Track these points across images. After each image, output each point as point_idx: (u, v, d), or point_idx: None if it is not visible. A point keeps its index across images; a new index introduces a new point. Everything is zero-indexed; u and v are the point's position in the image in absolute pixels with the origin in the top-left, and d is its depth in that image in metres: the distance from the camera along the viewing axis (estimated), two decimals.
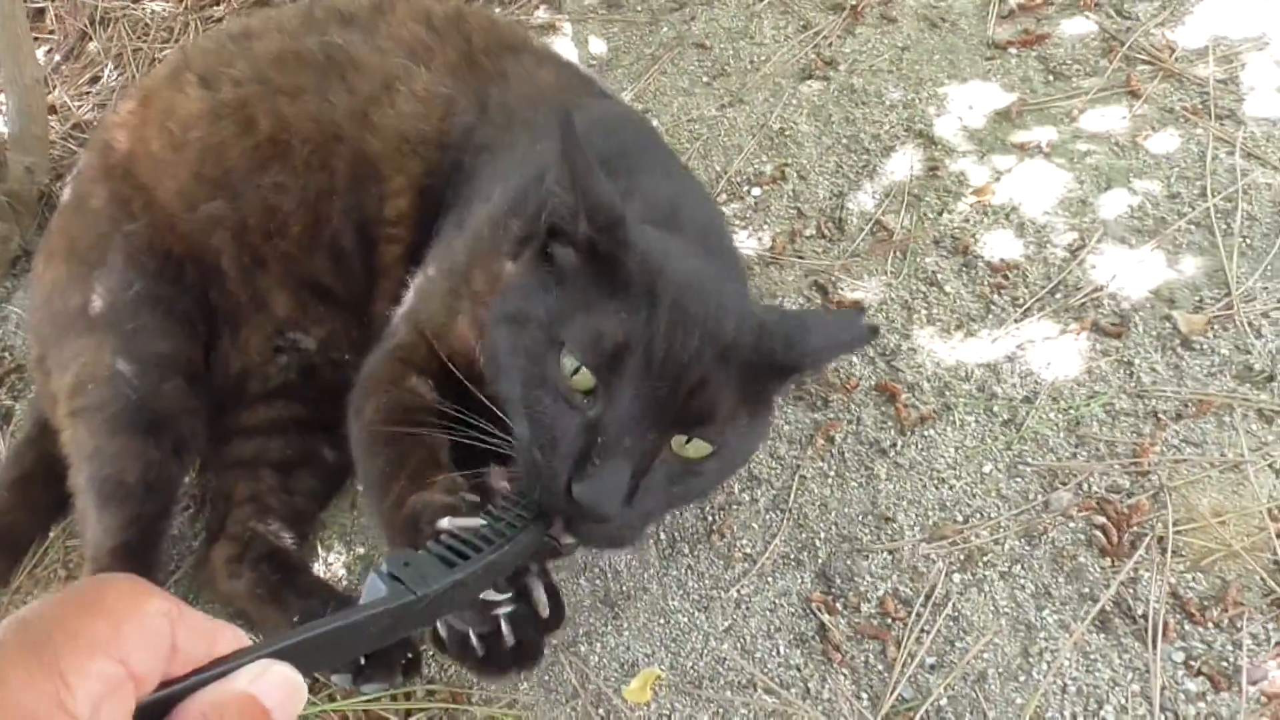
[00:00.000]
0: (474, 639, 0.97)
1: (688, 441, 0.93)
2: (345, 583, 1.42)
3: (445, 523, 0.84)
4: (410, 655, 1.24)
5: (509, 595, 0.90)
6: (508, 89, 1.36)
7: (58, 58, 2.44)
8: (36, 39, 2.39)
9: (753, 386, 0.98)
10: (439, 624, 1.01)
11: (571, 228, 0.94)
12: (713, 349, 0.93)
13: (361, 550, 1.45)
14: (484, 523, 0.86)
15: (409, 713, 1.22)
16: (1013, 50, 1.79)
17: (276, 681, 0.47)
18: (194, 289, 1.39)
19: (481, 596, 0.87)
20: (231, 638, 0.48)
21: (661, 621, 1.26)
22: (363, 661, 1.20)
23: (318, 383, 1.47)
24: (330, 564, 1.46)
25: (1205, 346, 1.34)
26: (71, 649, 0.39)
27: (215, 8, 2.47)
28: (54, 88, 2.34)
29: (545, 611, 0.96)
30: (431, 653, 1.30)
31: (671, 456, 0.93)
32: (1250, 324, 1.34)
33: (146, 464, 1.28)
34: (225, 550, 1.34)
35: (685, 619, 1.26)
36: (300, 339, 1.45)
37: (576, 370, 0.90)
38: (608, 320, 0.91)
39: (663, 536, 1.34)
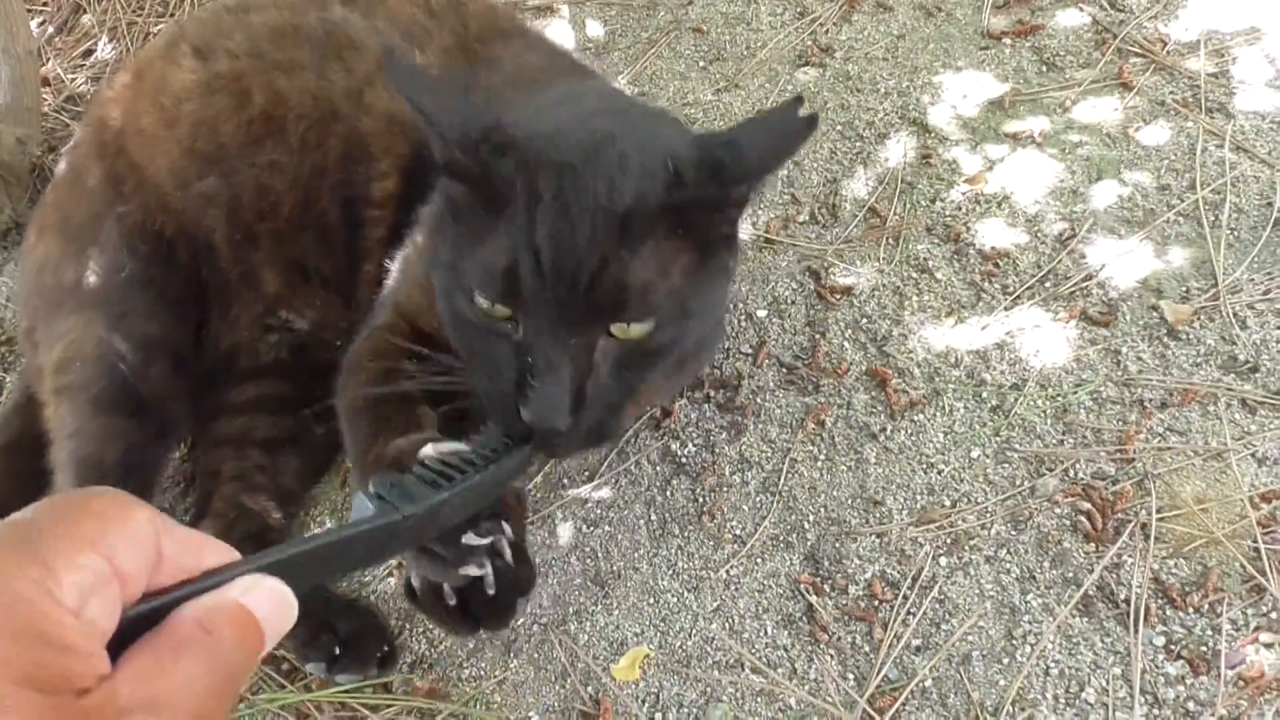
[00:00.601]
0: (447, 589, 0.98)
1: (627, 327, 0.90)
2: None
3: (429, 449, 0.85)
4: (386, 648, 1.26)
5: (489, 541, 0.92)
6: (494, 74, 1.35)
7: (51, 30, 2.42)
8: (30, 11, 2.38)
9: (687, 230, 0.93)
10: (412, 574, 1.02)
11: (445, 156, 0.92)
12: (608, 222, 0.88)
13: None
14: (466, 447, 0.87)
15: (385, 706, 1.23)
16: (1007, 40, 1.80)
17: (268, 594, 0.48)
18: (185, 269, 1.40)
19: (462, 540, 0.89)
20: (219, 551, 0.49)
21: (651, 601, 1.28)
22: (337, 651, 1.22)
23: (308, 362, 1.47)
24: None
25: (1191, 337, 1.35)
26: (60, 543, 0.40)
27: None
28: (47, 60, 2.33)
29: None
30: (411, 640, 1.31)
31: (614, 344, 0.91)
32: (1236, 315, 1.35)
33: (128, 445, 1.29)
34: (210, 527, 1.35)
35: (675, 599, 1.27)
36: (292, 319, 1.46)
37: (491, 305, 0.90)
38: (495, 245, 0.90)
39: (653, 517, 1.35)
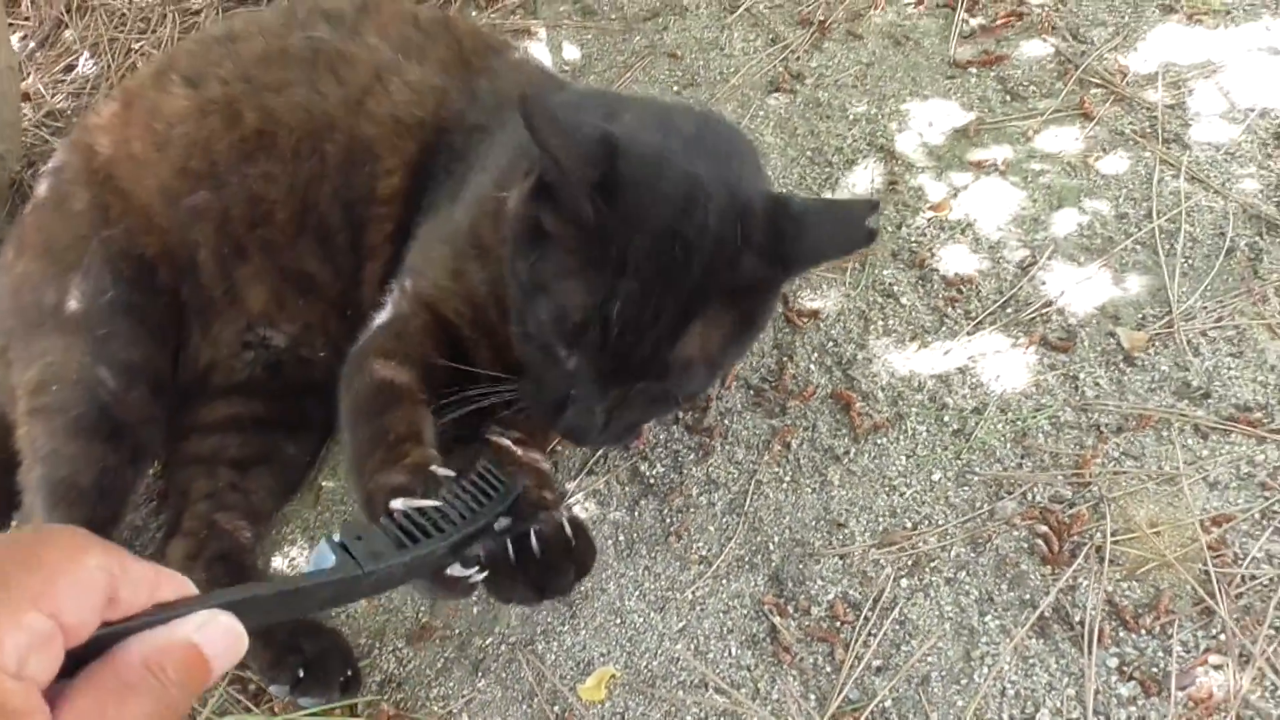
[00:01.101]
0: (510, 550, 1.04)
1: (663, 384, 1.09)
2: None
3: (398, 504, 0.89)
4: (351, 671, 1.27)
5: (476, 570, 0.96)
6: (497, 80, 1.41)
7: (32, 45, 2.43)
8: (11, 25, 2.39)
9: (737, 300, 1.07)
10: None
11: (564, 196, 1.01)
12: (676, 304, 1.01)
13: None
14: (438, 504, 0.90)
15: None
16: (973, 70, 1.84)
17: (220, 631, 0.49)
18: (167, 292, 1.41)
19: (448, 572, 0.92)
20: (176, 586, 0.49)
21: (618, 621, 1.29)
22: (301, 674, 1.23)
23: (281, 380, 1.49)
24: (293, 559, 1.48)
25: (1146, 363, 1.39)
26: (2, 605, 0.40)
27: (190, 1, 2.47)
28: (28, 75, 2.34)
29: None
30: (380, 658, 1.32)
31: (645, 388, 1.08)
32: (1189, 342, 1.39)
33: (102, 469, 1.30)
34: (181, 547, 1.36)
35: (641, 619, 1.29)
36: (271, 335, 1.47)
37: (546, 334, 1.05)
38: (573, 292, 1.02)
39: (621, 538, 1.37)
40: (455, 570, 0.92)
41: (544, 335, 1.06)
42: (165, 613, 0.47)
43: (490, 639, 1.31)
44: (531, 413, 1.15)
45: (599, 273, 1.00)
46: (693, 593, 1.30)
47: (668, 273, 1.00)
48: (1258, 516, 1.22)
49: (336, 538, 0.70)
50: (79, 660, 0.43)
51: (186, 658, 0.46)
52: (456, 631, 1.34)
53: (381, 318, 1.26)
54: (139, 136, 1.41)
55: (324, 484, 1.55)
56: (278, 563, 1.47)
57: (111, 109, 1.46)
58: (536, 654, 1.28)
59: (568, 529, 1.08)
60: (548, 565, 1.05)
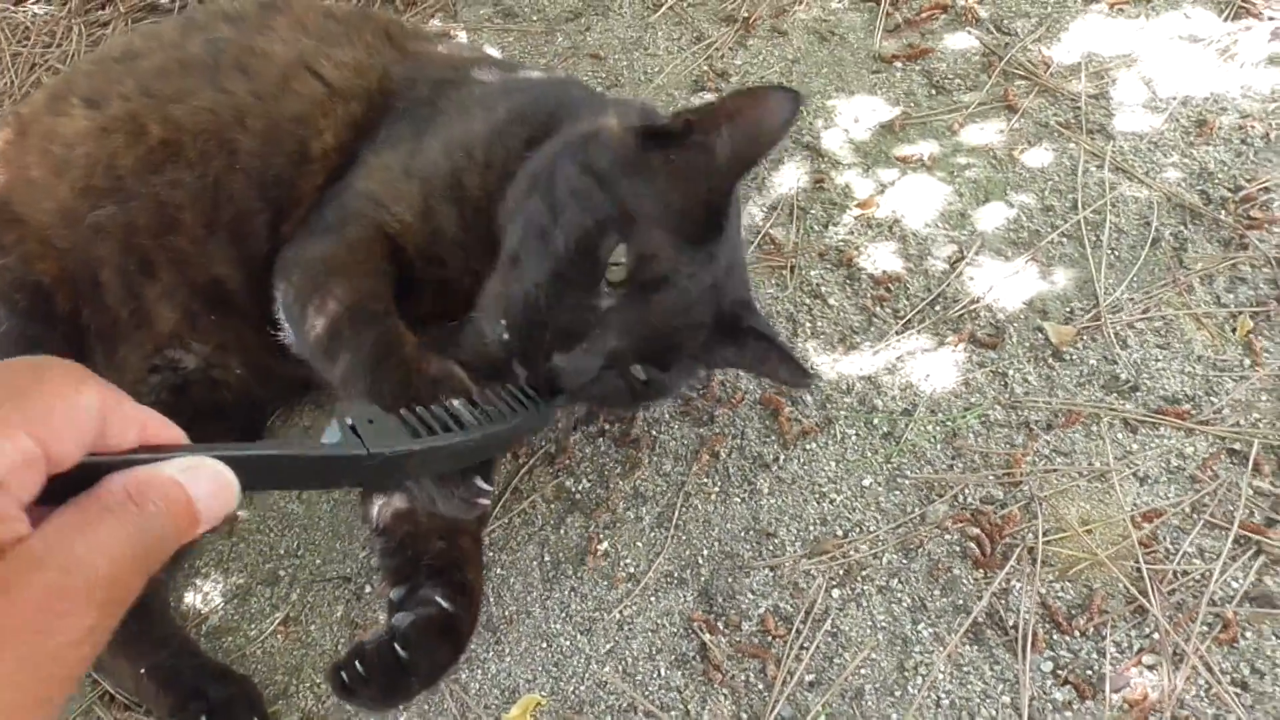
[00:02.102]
0: (358, 668, 1.10)
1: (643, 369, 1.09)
2: (221, 612, 1.38)
3: (458, 403, 0.89)
4: (258, 718, 1.23)
5: (492, 489, 0.99)
6: (431, 64, 1.41)
7: None
8: None
9: (708, 343, 1.14)
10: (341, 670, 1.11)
11: (702, 163, 1.06)
12: (711, 314, 1.11)
13: (239, 579, 1.41)
14: (461, 405, 0.88)
15: None
16: (898, 64, 1.81)
17: (208, 476, 0.48)
18: (65, 320, 1.35)
19: (475, 481, 0.93)
20: (168, 432, 0.49)
21: (543, 645, 1.25)
22: None
23: (189, 404, 1.42)
24: (207, 593, 1.41)
25: (1075, 357, 1.36)
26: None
27: (100, 11, 2.39)
28: None
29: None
30: (299, 696, 1.27)
31: (633, 375, 1.09)
32: (1117, 335, 1.37)
33: None
34: None
35: (567, 642, 1.24)
36: (181, 357, 1.41)
37: (617, 264, 1.01)
38: (668, 246, 1.03)
39: (546, 558, 1.32)
40: (478, 482, 0.94)
41: (592, 262, 1.01)
42: (153, 455, 0.47)
43: None
44: (511, 313, 1.03)
45: (695, 247, 1.05)
46: (620, 612, 1.25)
47: (718, 294, 1.11)
48: (1188, 510, 1.20)
49: (348, 419, 0.67)
50: (62, 491, 0.43)
51: (170, 494, 0.45)
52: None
53: (340, 231, 1.22)
54: (37, 162, 1.35)
55: (239, 514, 1.48)
56: (191, 598, 1.41)
57: (5, 136, 1.40)
58: (460, 683, 1.23)
59: (399, 650, 1.12)
60: (391, 675, 1.12)
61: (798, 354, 1.32)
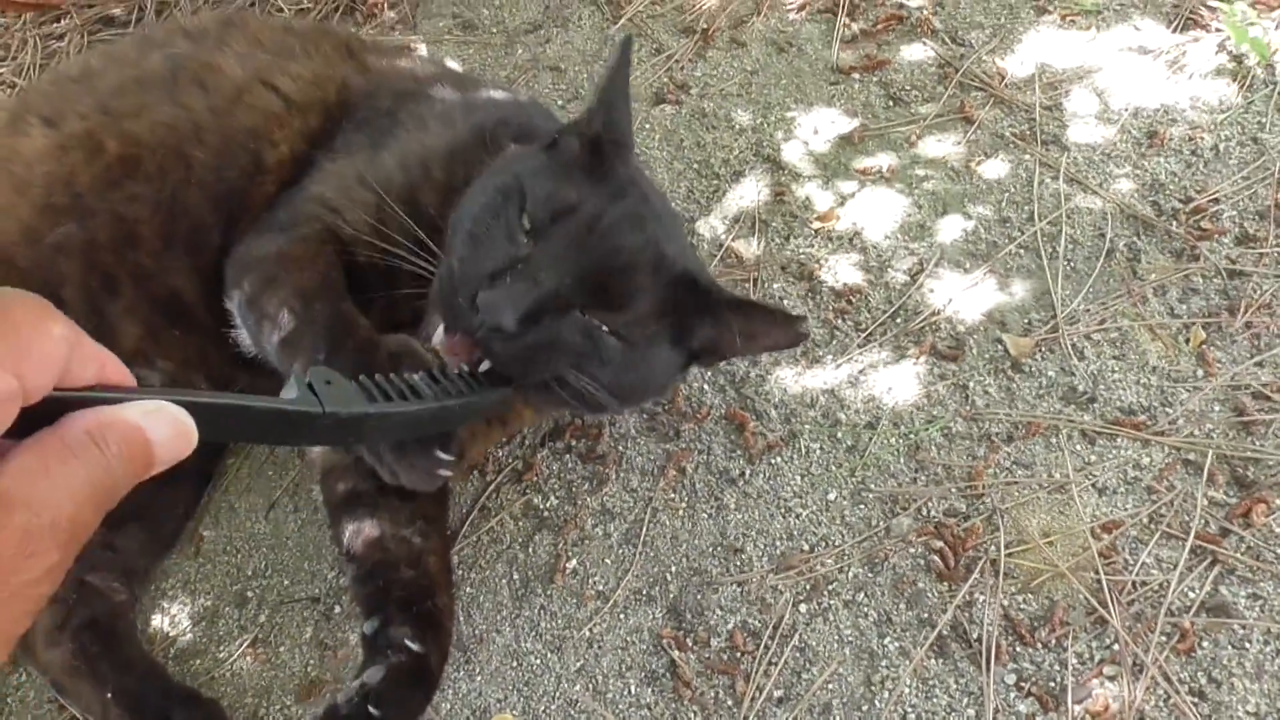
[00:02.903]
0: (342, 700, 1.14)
1: (604, 320, 1.04)
2: (189, 635, 1.37)
3: (416, 377, 0.89)
4: None
5: (453, 460, 1.00)
6: (396, 78, 1.41)
7: None
8: None
9: (675, 315, 1.10)
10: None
11: (586, 128, 1.12)
12: (650, 253, 1.07)
13: (206, 601, 1.40)
14: (419, 375, 0.89)
15: None
16: (855, 75, 1.83)
17: (166, 420, 0.49)
18: None
19: (435, 452, 0.96)
20: (121, 374, 0.50)
21: (514, 664, 1.25)
22: None
23: None
24: (174, 615, 1.40)
25: (1033, 369, 1.39)
26: None
27: (55, 24, 2.35)
28: None
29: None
30: (269, 717, 1.26)
31: (584, 320, 1.02)
32: (1074, 346, 1.40)
33: None
34: (48, 616, 1.28)
35: (538, 660, 1.25)
36: (145, 375, 1.39)
37: (523, 215, 1.03)
38: (570, 189, 1.05)
39: (515, 576, 1.33)
40: (438, 452, 0.97)
41: (504, 221, 1.03)
42: (114, 394, 0.48)
43: None
44: (439, 290, 1.03)
45: (602, 187, 1.08)
46: (590, 630, 1.26)
47: (648, 225, 1.09)
48: (1146, 521, 1.23)
49: (306, 378, 0.67)
50: (24, 423, 0.44)
51: (130, 436, 0.47)
52: (347, 684, 1.28)
53: (293, 230, 1.22)
54: None
55: (205, 534, 1.47)
56: (158, 621, 1.40)
57: None
58: (432, 705, 1.23)
59: (372, 711, 1.13)
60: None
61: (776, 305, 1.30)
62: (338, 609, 1.35)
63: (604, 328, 1.03)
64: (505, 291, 0.96)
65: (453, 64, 2.04)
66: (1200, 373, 1.35)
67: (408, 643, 1.19)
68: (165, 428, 0.49)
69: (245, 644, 1.34)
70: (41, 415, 0.44)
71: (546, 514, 1.38)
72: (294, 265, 1.16)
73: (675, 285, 1.09)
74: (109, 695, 1.22)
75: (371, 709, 1.13)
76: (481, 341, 0.97)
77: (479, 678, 1.25)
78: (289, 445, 0.80)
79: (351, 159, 1.27)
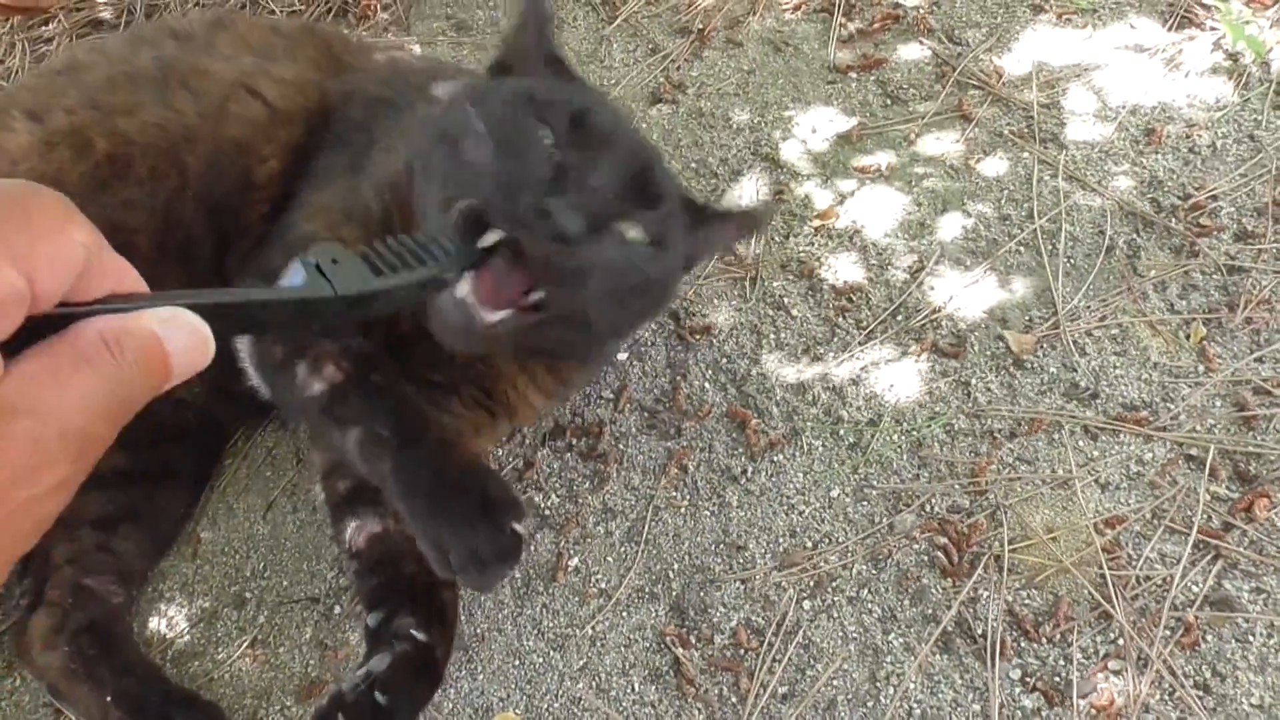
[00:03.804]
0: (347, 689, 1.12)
1: (634, 226, 0.99)
2: (187, 637, 1.36)
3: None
4: None
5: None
6: (372, 77, 1.38)
7: None
8: None
9: (681, 214, 1.11)
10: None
11: (536, 49, 1.13)
12: (652, 154, 1.09)
13: (204, 603, 1.39)
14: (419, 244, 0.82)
15: None
16: (853, 74, 1.83)
17: (186, 330, 0.46)
18: None
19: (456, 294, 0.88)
20: (138, 285, 0.47)
21: (516, 663, 1.24)
22: None
23: (147, 426, 1.39)
24: (171, 617, 1.39)
25: (1035, 365, 1.39)
26: None
27: (44, 27, 2.33)
28: None
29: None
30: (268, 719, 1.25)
31: (620, 234, 0.98)
32: (1075, 343, 1.40)
33: None
34: (44, 619, 1.27)
35: (540, 659, 1.24)
36: None
37: (535, 124, 0.97)
38: (568, 93, 1.04)
39: (517, 574, 1.32)
40: (514, 525, 0.98)
41: (529, 132, 0.96)
42: (126, 303, 0.45)
43: None
44: (486, 195, 0.90)
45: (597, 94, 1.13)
46: (593, 628, 1.26)
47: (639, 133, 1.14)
48: (1149, 516, 1.23)
49: (311, 258, 0.65)
50: (30, 332, 0.40)
51: (146, 346, 0.44)
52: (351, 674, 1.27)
53: (275, 276, 1.19)
54: None
55: (203, 535, 1.46)
56: (156, 624, 1.38)
57: None
58: (433, 703, 1.22)
59: (378, 696, 1.12)
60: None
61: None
62: (337, 609, 1.34)
63: (639, 234, 1.00)
64: (571, 198, 0.91)
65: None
66: (1201, 368, 1.35)
67: (413, 632, 1.18)
68: (183, 336, 0.46)
69: (244, 645, 1.34)
70: (46, 327, 0.41)
71: (548, 512, 1.37)
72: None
73: (679, 197, 1.13)
74: (108, 699, 1.21)
75: (378, 695, 1.12)
76: (542, 260, 0.89)
77: (481, 676, 1.24)
78: (298, 331, 0.79)
79: (334, 187, 1.26)
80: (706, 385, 1.46)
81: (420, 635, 1.18)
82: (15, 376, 0.39)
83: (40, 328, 0.41)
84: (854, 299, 1.51)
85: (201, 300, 0.48)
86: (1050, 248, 1.51)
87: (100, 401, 0.41)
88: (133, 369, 0.43)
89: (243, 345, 1.19)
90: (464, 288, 0.87)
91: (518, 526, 0.99)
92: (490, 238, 0.86)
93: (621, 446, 1.42)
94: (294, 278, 0.64)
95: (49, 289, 0.40)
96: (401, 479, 1.03)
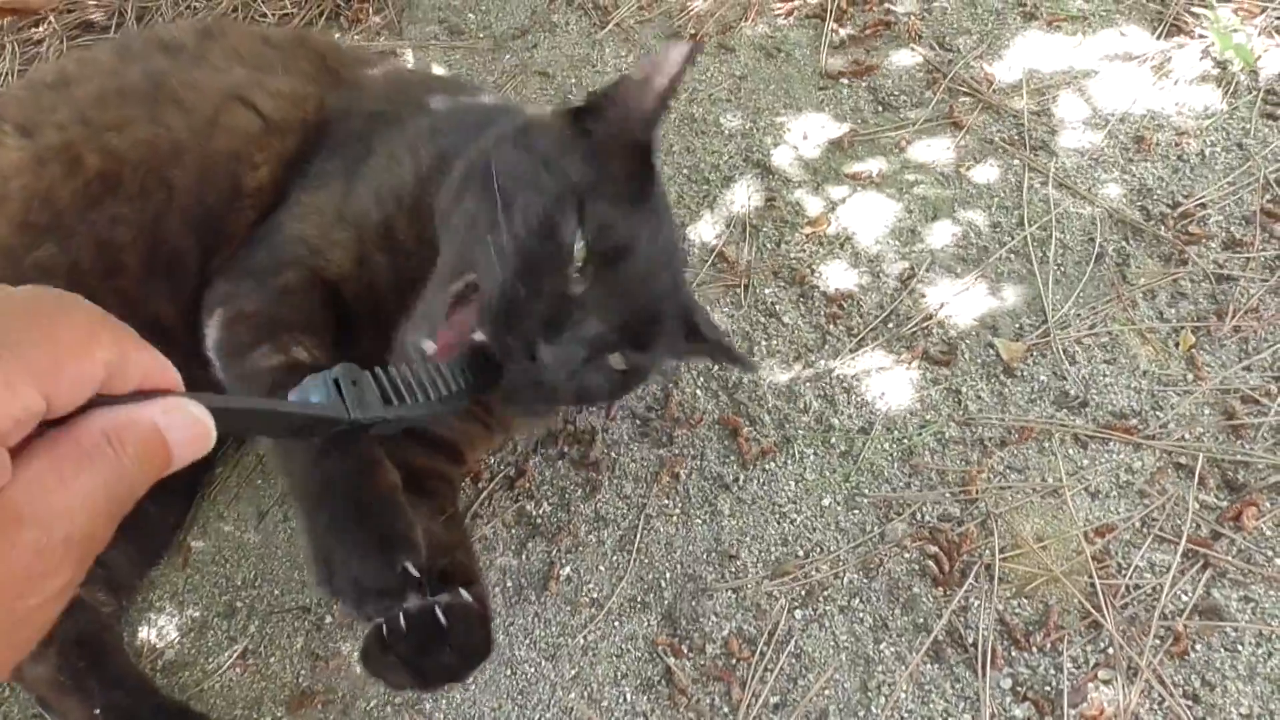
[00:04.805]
0: (402, 622, 1.03)
1: (619, 360, 1.05)
2: (177, 647, 1.36)
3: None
4: None
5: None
6: (367, 91, 1.37)
7: None
8: None
9: (678, 346, 1.16)
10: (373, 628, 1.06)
11: (631, 127, 1.06)
12: (677, 298, 1.11)
13: (195, 612, 1.38)
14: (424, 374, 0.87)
15: None
16: (844, 80, 1.84)
17: (186, 420, 0.46)
18: None
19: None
20: (165, 377, 0.47)
21: (508, 673, 1.24)
22: None
23: None
24: (161, 627, 1.39)
25: (1025, 373, 1.39)
26: (5, 369, 0.38)
27: (35, 29, 2.32)
28: None
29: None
30: None
31: (606, 365, 1.05)
32: (1065, 351, 1.40)
33: None
34: None
35: (532, 669, 1.24)
36: None
37: (580, 242, 0.98)
38: (617, 211, 1.01)
39: (509, 584, 1.32)
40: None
41: (556, 245, 0.97)
42: (135, 397, 0.45)
43: (374, 701, 1.25)
44: (493, 310, 0.95)
45: (643, 216, 1.05)
46: (584, 637, 1.26)
47: (672, 262, 1.11)
48: (1138, 525, 1.23)
49: (333, 376, 0.68)
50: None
51: (147, 437, 0.44)
52: (339, 694, 1.27)
53: (260, 277, 1.19)
54: None
55: (193, 544, 1.45)
56: (145, 634, 1.38)
57: None
58: (424, 714, 1.22)
59: (439, 613, 1.05)
60: (422, 648, 1.03)
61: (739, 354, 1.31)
62: (329, 619, 1.34)
63: (620, 363, 1.06)
64: (565, 352, 0.96)
65: (438, 70, 2.04)
66: (1190, 376, 1.36)
67: (462, 593, 1.11)
68: (184, 427, 0.46)
69: (235, 655, 1.33)
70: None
71: (539, 521, 1.37)
72: (277, 326, 1.14)
73: (682, 323, 1.15)
74: (96, 711, 1.21)
75: (440, 614, 1.06)
76: (518, 394, 1.00)
77: (472, 687, 1.24)
78: (302, 439, 0.81)
79: (328, 190, 1.24)
80: (698, 393, 1.46)
81: (468, 598, 1.11)
82: (22, 482, 0.39)
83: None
84: (845, 306, 1.51)
85: (214, 404, 0.49)
86: (1040, 255, 1.52)
87: (102, 501, 0.42)
88: (133, 463, 0.43)
89: (210, 326, 1.18)
90: (428, 344, 0.96)
91: (410, 567, 0.98)
92: (428, 343, 0.96)
93: (614, 454, 1.42)
94: (315, 391, 0.66)
95: (66, 404, 0.41)
96: (312, 486, 1.02)
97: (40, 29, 2.30)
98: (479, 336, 0.95)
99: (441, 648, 1.06)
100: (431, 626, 1.05)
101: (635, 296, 1.02)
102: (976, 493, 1.28)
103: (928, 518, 1.28)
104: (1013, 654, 1.16)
